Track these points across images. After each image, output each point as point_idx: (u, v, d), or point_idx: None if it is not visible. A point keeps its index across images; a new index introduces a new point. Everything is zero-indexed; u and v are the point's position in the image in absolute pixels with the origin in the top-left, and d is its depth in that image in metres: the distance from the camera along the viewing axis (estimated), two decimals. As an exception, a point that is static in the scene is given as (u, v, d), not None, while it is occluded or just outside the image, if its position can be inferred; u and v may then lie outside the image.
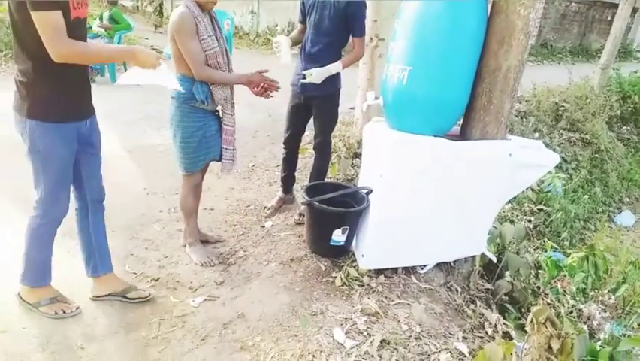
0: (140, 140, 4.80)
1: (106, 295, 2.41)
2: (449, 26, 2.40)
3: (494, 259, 2.93)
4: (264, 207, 3.53)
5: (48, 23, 1.76)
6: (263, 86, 2.63)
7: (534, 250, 4.01)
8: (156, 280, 2.64)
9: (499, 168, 2.61)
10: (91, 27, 7.08)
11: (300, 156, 4.04)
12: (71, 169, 2.13)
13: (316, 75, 2.95)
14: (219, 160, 2.76)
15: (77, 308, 2.31)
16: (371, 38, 4.40)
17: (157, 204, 3.54)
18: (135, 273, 2.70)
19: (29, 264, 2.23)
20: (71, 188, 2.23)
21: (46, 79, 1.94)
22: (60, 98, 2.00)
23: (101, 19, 7.06)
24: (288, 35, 3.17)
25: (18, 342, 2.11)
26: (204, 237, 3.05)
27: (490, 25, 2.45)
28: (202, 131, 2.62)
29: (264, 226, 3.30)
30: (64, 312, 2.28)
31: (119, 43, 7.18)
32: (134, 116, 5.43)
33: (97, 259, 2.37)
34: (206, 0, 2.47)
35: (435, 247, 2.76)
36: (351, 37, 3.06)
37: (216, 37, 2.56)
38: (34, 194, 2.12)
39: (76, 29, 1.92)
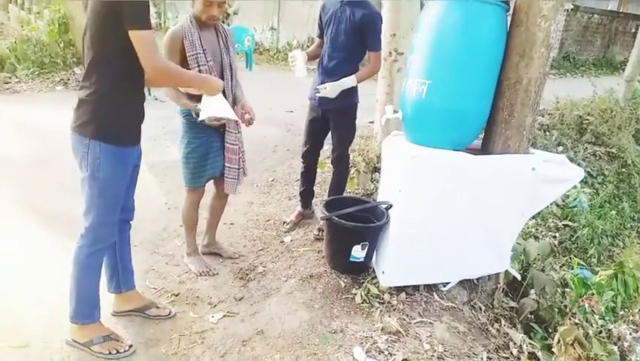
0: (162, 155, 4.85)
1: (127, 311, 2.42)
2: (468, 39, 2.38)
3: (518, 277, 2.85)
4: (283, 222, 3.52)
5: (149, 41, 1.81)
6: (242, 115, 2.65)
7: (560, 267, 3.89)
8: (176, 296, 2.64)
9: (521, 183, 2.56)
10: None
11: (319, 170, 4.03)
12: (124, 193, 2.13)
13: (330, 89, 2.95)
14: (220, 176, 2.75)
15: (130, 347, 2.19)
16: (390, 52, 4.40)
17: (177, 219, 3.54)
18: (155, 288, 2.71)
19: (80, 298, 2.13)
20: None
21: (120, 99, 1.94)
22: (131, 120, 2.02)
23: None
24: (305, 50, 3.18)
25: (40, 357, 2.13)
26: (220, 250, 3.06)
27: (510, 38, 2.43)
28: (203, 147, 2.64)
29: (283, 241, 3.29)
30: (117, 351, 2.16)
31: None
32: (157, 132, 5.51)
33: (120, 276, 2.37)
34: (206, 16, 2.46)
35: (457, 264, 2.71)
36: (367, 52, 3.06)
37: (220, 53, 2.56)
38: (83, 221, 2.06)
39: None
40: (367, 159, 4.54)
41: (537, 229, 4.22)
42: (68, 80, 7.34)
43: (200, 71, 2.47)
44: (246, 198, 4.02)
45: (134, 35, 1.79)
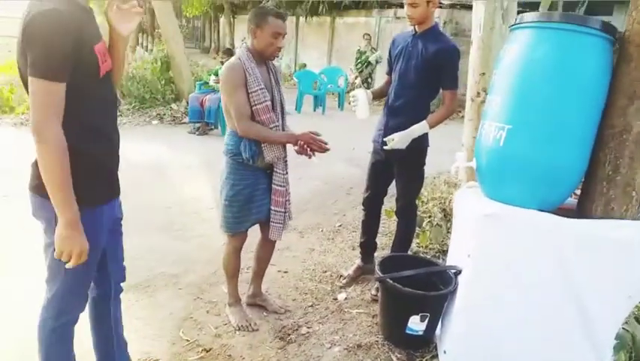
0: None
1: None
2: (561, 77, 1.95)
3: (624, 375, 2.23)
4: (340, 276, 3.17)
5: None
6: (303, 146, 2.38)
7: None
8: (207, 352, 2.39)
9: (629, 256, 2.00)
10: (207, 83, 7.53)
11: (387, 218, 3.67)
12: (97, 261, 1.75)
13: (398, 140, 2.61)
14: (265, 221, 2.52)
15: None
16: (478, 93, 3.98)
17: (231, 262, 3.37)
18: (188, 340, 2.48)
19: None
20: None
21: (79, 151, 1.54)
22: (93, 175, 1.63)
23: (216, 74, 7.49)
24: (371, 89, 2.91)
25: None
26: (266, 303, 2.79)
27: (616, 76, 1.95)
28: (249, 189, 2.42)
29: (336, 299, 2.93)
30: None
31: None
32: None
33: (116, 355, 2.00)
34: (272, 49, 2.33)
35: (540, 352, 2.17)
36: (441, 91, 2.69)
37: (271, 89, 2.40)
38: (46, 291, 1.70)
39: (105, 85, 1.64)
40: (448, 210, 4.07)
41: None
42: (164, 115, 7.74)
43: (266, 106, 2.34)
44: (307, 244, 3.74)
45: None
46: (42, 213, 1.60)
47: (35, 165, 1.54)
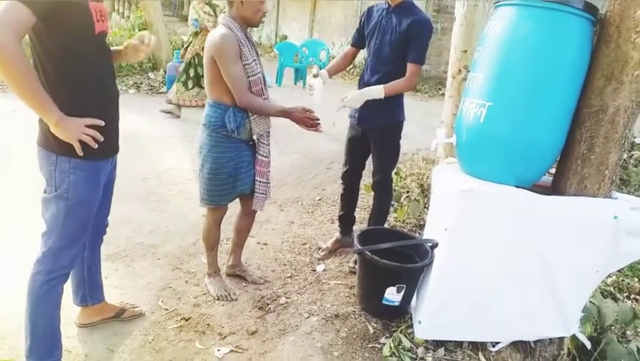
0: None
1: (95, 323, 2.26)
2: (541, 55, 1.97)
3: (588, 344, 2.34)
4: (319, 248, 3.21)
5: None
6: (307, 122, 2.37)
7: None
8: (186, 321, 2.42)
9: (599, 233, 2.08)
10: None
11: (366, 193, 3.70)
12: (92, 217, 1.87)
13: (351, 98, 2.62)
14: (249, 193, 2.52)
15: None
16: (459, 70, 3.98)
17: (210, 234, 3.37)
18: (167, 309, 2.50)
19: (36, 335, 1.83)
20: None
21: (83, 106, 1.67)
22: (101, 129, 1.71)
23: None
24: (325, 67, 2.91)
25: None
26: (245, 273, 2.82)
27: (595, 57, 1.98)
28: (233, 162, 2.40)
29: (314, 270, 2.98)
30: None
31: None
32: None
33: (87, 290, 2.18)
34: (260, 16, 2.31)
35: (511, 322, 2.26)
36: (407, 63, 2.63)
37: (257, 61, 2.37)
38: (41, 243, 1.79)
39: (102, 46, 1.77)
40: (426, 185, 4.13)
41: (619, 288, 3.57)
42: (141, 84, 7.55)
43: (258, 78, 2.35)
44: (287, 217, 3.76)
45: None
46: (44, 165, 1.72)
47: (41, 120, 1.66)
